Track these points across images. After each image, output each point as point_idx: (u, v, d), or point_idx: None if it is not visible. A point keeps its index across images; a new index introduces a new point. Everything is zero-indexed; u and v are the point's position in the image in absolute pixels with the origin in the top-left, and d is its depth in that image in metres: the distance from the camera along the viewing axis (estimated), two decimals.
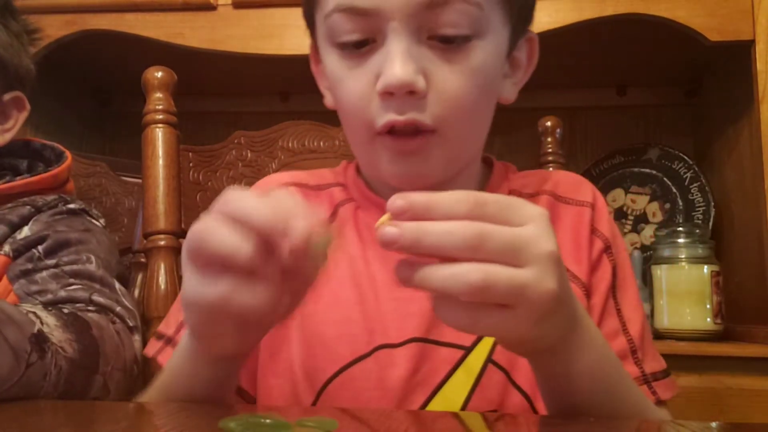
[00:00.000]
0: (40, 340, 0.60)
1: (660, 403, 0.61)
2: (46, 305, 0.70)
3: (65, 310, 0.68)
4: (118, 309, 0.74)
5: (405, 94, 0.55)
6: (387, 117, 0.57)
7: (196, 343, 0.49)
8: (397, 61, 0.55)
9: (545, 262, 0.40)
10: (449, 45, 0.56)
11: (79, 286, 0.73)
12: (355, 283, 0.63)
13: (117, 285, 0.79)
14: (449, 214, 0.39)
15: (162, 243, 0.91)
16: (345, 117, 0.62)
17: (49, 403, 0.55)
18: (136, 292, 1.10)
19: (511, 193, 0.68)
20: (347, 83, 0.59)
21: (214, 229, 0.40)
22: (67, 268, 0.75)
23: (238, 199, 0.41)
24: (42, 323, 0.62)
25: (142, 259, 1.06)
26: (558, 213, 0.66)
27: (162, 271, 0.90)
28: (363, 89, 0.58)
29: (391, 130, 0.57)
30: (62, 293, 0.72)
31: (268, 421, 0.39)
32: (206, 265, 0.41)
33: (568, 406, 0.49)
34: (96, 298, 0.73)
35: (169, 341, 0.64)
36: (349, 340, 0.60)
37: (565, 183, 0.68)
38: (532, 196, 0.67)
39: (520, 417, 0.50)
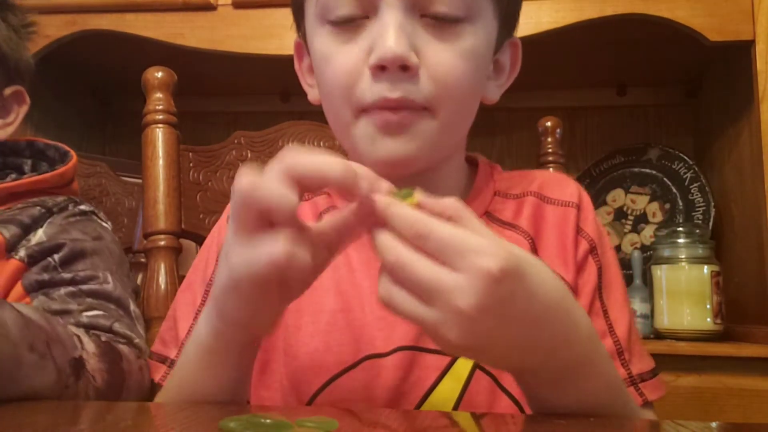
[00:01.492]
0: (78, 365, 0.61)
1: (647, 404, 0.61)
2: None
3: (102, 338, 0.68)
4: (137, 341, 0.74)
5: (397, 69, 0.55)
6: (378, 93, 0.56)
7: (226, 331, 0.47)
8: (390, 34, 0.54)
9: (451, 314, 0.40)
10: (441, 23, 0.56)
11: (101, 313, 0.73)
12: (339, 292, 0.62)
13: (132, 306, 0.78)
14: (397, 227, 0.41)
15: (162, 243, 0.91)
16: (330, 96, 0.60)
17: (49, 403, 0.55)
18: None
19: (496, 194, 0.67)
20: (337, 59, 0.58)
21: (261, 183, 0.41)
22: (85, 287, 0.74)
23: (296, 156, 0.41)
24: (83, 348, 0.63)
25: (142, 259, 1.06)
26: (544, 214, 0.65)
27: (162, 271, 0.90)
28: (353, 64, 0.57)
29: (378, 109, 0.56)
30: (84, 320, 0.71)
31: (268, 421, 0.39)
32: (256, 226, 0.41)
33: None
34: (117, 328, 0.72)
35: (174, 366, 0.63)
36: (336, 351, 0.60)
37: (551, 183, 0.67)
38: (517, 198, 0.67)
39: (522, 417, 0.50)
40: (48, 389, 0.57)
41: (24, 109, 0.86)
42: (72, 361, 0.60)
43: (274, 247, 0.41)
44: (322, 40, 0.60)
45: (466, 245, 0.40)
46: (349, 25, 0.57)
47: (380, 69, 0.55)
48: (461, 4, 0.56)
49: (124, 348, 0.70)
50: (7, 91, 0.85)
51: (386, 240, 0.41)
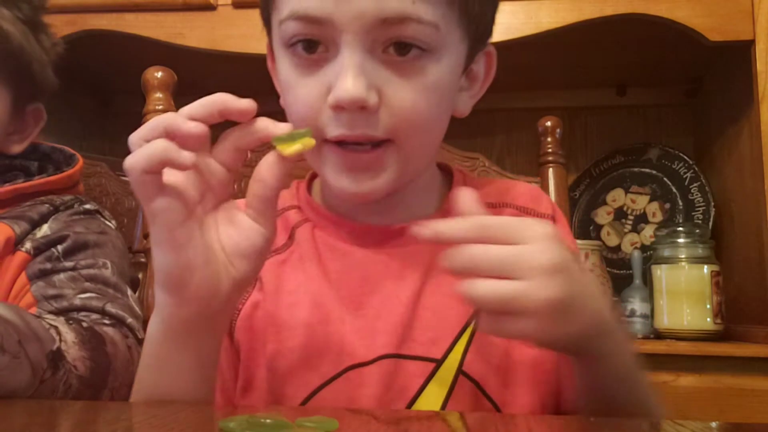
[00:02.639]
0: (56, 357, 0.61)
1: None
2: (63, 312, 0.71)
3: (84, 324, 0.69)
4: (130, 320, 0.75)
5: (356, 109, 0.55)
6: (338, 131, 0.56)
7: (168, 300, 0.49)
8: (349, 75, 0.54)
9: (539, 274, 0.45)
10: (404, 57, 0.56)
11: (94, 295, 0.75)
12: (317, 304, 0.61)
13: (129, 292, 0.80)
14: (457, 236, 0.47)
15: None
16: (293, 124, 0.60)
17: (49, 403, 0.56)
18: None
19: None
20: (298, 91, 0.58)
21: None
22: (84, 272, 0.77)
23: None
24: (61, 340, 0.63)
25: (142, 259, 1.06)
26: None
27: None
28: (314, 100, 0.57)
29: (341, 143, 0.57)
30: (77, 301, 0.73)
31: (268, 421, 0.39)
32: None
33: (600, 407, 0.52)
34: (109, 308, 0.74)
35: None
36: (317, 364, 0.59)
37: (525, 195, 0.68)
38: (495, 207, 0.67)
39: (527, 418, 0.50)
40: (22, 387, 0.57)
41: (40, 125, 0.90)
42: (50, 354, 0.60)
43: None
44: (284, 66, 0.60)
45: (520, 222, 0.48)
46: (308, 56, 0.57)
47: (339, 108, 0.55)
48: (422, 36, 0.55)
49: (109, 330, 0.71)
50: (29, 108, 0.87)
51: (454, 252, 0.46)
